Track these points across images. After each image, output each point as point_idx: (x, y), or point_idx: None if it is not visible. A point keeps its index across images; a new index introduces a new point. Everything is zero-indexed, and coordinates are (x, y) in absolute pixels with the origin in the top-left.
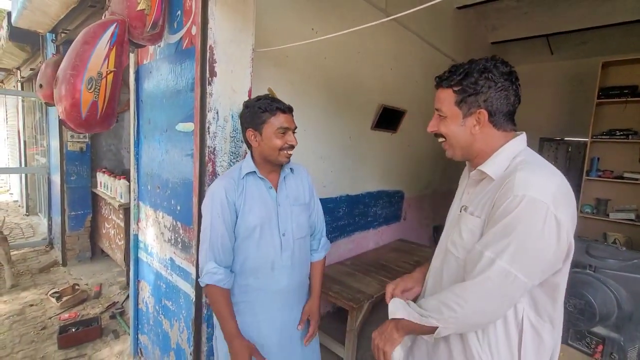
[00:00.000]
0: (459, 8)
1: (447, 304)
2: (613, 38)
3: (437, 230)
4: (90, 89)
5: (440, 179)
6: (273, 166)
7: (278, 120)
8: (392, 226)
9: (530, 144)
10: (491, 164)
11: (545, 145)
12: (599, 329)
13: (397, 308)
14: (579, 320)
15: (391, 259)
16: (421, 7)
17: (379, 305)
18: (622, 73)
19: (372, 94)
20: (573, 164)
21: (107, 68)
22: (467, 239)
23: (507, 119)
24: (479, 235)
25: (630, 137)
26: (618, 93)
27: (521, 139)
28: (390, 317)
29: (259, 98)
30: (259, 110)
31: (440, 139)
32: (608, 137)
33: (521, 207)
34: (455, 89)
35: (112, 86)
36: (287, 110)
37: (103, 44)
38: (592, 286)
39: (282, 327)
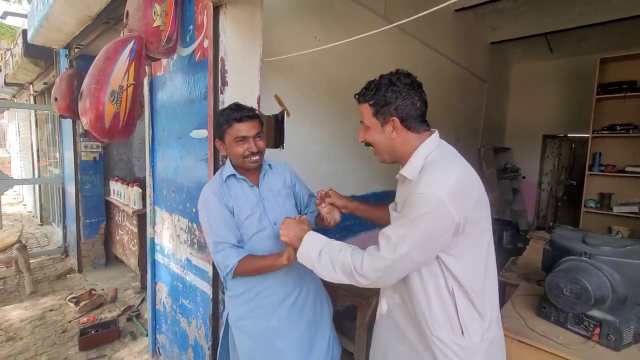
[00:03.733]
0: (457, 11)
1: (354, 271)
2: (611, 34)
3: None
4: (112, 101)
5: None
6: (247, 169)
7: (235, 130)
8: None
9: (534, 142)
10: (408, 167)
11: (548, 142)
12: (596, 313)
13: (316, 239)
14: (576, 304)
15: None
16: (419, 15)
17: None
18: (621, 69)
19: None
20: (578, 159)
21: (128, 81)
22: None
23: (418, 122)
24: None
25: (630, 131)
26: (617, 88)
27: (432, 138)
28: (306, 237)
29: (224, 109)
30: (218, 122)
31: (370, 147)
32: (609, 132)
33: (420, 202)
34: (370, 102)
35: (132, 98)
36: (245, 118)
37: (123, 59)
38: (587, 271)
39: (293, 312)
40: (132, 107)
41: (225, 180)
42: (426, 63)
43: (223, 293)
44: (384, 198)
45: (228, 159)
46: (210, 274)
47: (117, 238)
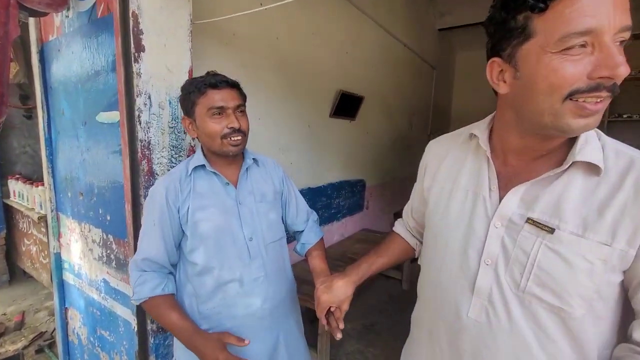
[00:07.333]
0: None
1: None
2: None
3: (398, 217)
4: None
5: (399, 166)
6: (227, 158)
7: (209, 99)
8: (355, 216)
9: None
10: (586, 149)
11: None
12: None
13: None
14: None
15: (357, 250)
16: None
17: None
18: None
19: (330, 79)
20: None
21: None
22: (584, 279)
23: None
24: (614, 271)
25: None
26: None
27: None
28: None
29: (195, 77)
30: (186, 92)
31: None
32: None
33: None
34: None
35: None
36: (223, 84)
37: None
38: None
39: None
40: None
41: (191, 173)
42: (383, 46)
43: (152, 323)
44: (341, 188)
45: (199, 147)
46: None
47: (24, 249)
